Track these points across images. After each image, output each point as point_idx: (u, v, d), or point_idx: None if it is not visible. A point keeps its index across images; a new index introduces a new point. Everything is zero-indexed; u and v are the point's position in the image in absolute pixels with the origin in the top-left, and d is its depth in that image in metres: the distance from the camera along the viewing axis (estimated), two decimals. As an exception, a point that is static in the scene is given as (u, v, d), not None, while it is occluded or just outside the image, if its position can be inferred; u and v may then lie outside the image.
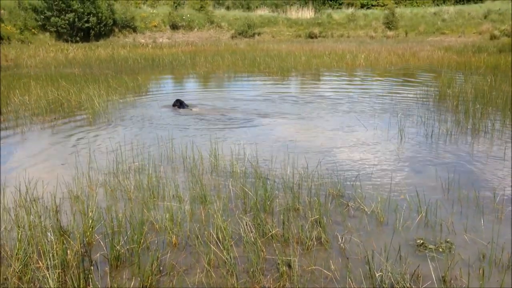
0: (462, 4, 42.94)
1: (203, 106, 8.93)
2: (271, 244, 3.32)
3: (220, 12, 37.97)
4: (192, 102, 9.07)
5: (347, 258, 3.13)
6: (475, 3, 42.33)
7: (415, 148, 5.80)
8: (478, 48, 19.28)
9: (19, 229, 3.25)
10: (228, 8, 43.94)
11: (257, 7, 41.40)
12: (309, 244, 3.27)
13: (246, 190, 4.10)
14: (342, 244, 3.29)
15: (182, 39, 30.80)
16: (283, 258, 3.03)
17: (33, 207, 3.77)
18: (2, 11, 26.51)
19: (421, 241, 3.29)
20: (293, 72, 14.44)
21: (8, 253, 3.10)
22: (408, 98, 9.28)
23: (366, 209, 3.86)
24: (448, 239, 3.32)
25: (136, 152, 5.53)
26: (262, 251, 3.18)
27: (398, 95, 9.84)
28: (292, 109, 8.50)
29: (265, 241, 3.35)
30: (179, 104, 8.70)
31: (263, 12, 38.87)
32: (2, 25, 25.45)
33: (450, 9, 37.02)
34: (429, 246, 3.23)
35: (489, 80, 9.76)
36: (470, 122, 6.79)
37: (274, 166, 4.95)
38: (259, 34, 34.09)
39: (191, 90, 11.21)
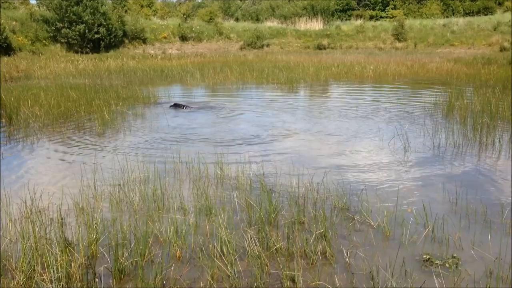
0: (472, 16, 42.86)
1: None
2: (275, 258, 3.29)
3: (229, 23, 38.30)
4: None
5: (352, 273, 3.09)
6: (485, 15, 42.31)
7: (422, 160, 5.75)
8: (488, 60, 19.20)
9: (23, 241, 3.27)
10: (237, 19, 44.33)
11: (266, 18, 41.72)
12: (314, 258, 3.24)
13: (251, 202, 4.08)
14: (347, 259, 3.25)
15: (191, 51, 31.05)
16: (287, 272, 3.00)
17: (38, 218, 3.79)
18: (14, 22, 26.90)
19: (428, 256, 3.24)
20: (301, 83, 14.46)
21: (13, 265, 3.10)
22: (416, 110, 9.24)
23: (372, 223, 3.83)
24: (455, 255, 3.27)
25: (142, 163, 5.54)
26: (266, 265, 3.15)
27: (406, 106, 9.79)
28: (298, 121, 8.50)
29: (270, 255, 3.32)
30: (175, 105, 10.11)
31: (272, 23, 39.12)
32: (14, 36, 25.82)
33: (459, 21, 36.98)
34: (436, 262, 3.18)
35: (498, 93, 9.69)
36: (478, 134, 6.73)
37: (280, 178, 4.93)
38: (267, 45, 34.26)
39: (199, 100, 11.24)
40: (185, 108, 9.94)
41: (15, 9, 32.50)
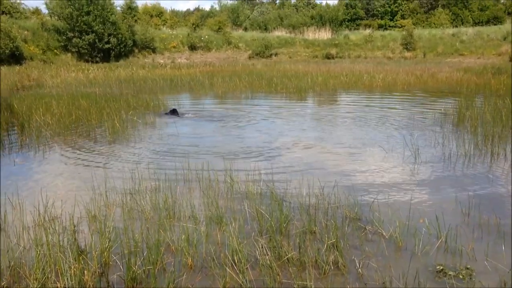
0: (481, 25, 42.77)
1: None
2: (287, 268, 3.28)
3: (237, 33, 38.54)
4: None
5: (365, 284, 3.07)
6: (494, 24, 42.22)
7: (433, 170, 5.72)
8: (498, 69, 19.10)
9: (37, 249, 3.29)
10: (245, 29, 44.59)
11: (274, 28, 41.93)
12: (326, 268, 3.23)
13: (262, 211, 4.08)
14: (359, 269, 3.24)
15: (200, 60, 31.24)
16: (299, 282, 3.00)
17: (51, 226, 3.81)
18: (25, 32, 27.27)
19: (441, 267, 3.22)
20: (310, 92, 14.48)
21: (27, 272, 3.12)
22: (427, 119, 9.21)
23: (384, 233, 3.80)
24: (469, 266, 3.24)
25: (153, 172, 5.57)
26: (278, 274, 3.15)
27: (416, 116, 9.75)
28: (308, 130, 8.50)
29: (281, 264, 3.32)
30: (171, 112, 10.35)
31: (280, 33, 39.31)
32: (26, 45, 26.15)
33: (468, 31, 36.92)
34: (449, 273, 3.16)
35: (508, 103, 9.63)
36: (490, 144, 6.69)
37: (290, 187, 4.93)
38: (276, 54, 34.41)
39: (208, 109, 11.29)
40: (181, 116, 10.17)
41: (26, 19, 32.99)
